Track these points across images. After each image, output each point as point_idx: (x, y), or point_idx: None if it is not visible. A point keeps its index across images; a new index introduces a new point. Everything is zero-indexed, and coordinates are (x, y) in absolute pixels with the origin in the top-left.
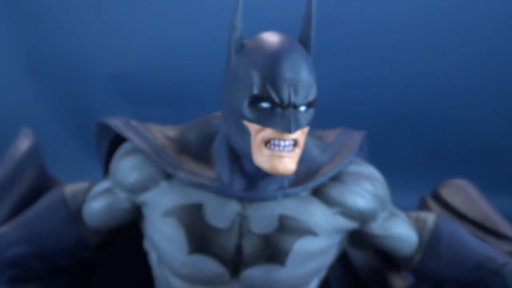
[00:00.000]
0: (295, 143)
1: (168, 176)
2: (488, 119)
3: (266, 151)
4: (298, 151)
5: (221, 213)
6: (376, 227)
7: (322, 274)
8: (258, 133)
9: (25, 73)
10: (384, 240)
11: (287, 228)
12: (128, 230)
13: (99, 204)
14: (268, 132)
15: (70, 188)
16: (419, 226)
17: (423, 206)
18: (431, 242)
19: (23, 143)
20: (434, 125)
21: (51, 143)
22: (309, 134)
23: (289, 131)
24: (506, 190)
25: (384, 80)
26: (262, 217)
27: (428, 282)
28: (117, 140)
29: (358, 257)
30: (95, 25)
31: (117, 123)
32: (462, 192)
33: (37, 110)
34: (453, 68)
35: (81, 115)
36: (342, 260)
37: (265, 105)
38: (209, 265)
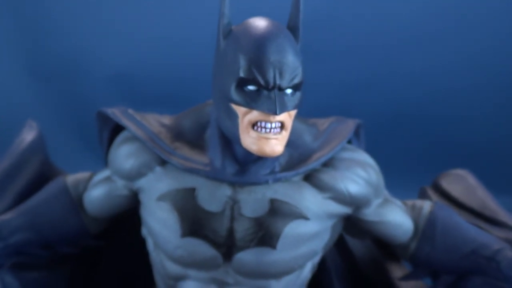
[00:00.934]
0: (282, 126)
1: (163, 162)
2: (488, 119)
3: (253, 133)
4: (285, 134)
5: (213, 197)
6: (370, 213)
7: (316, 259)
8: (245, 116)
9: (25, 73)
10: (378, 226)
11: (278, 211)
12: (129, 218)
13: (98, 191)
14: (255, 114)
15: (72, 177)
16: (415, 213)
17: (422, 196)
18: (426, 229)
19: (28, 135)
20: (434, 125)
21: (51, 143)
22: (302, 121)
23: (275, 112)
24: (506, 190)
25: (384, 80)
26: (254, 200)
27: (425, 270)
28: (118, 130)
29: (357, 246)
30: (95, 25)
31: (114, 112)
32: (461, 181)
33: (37, 110)
34: (453, 68)
35: (81, 115)
36: (341, 249)
37: (251, 87)
38: (202, 248)
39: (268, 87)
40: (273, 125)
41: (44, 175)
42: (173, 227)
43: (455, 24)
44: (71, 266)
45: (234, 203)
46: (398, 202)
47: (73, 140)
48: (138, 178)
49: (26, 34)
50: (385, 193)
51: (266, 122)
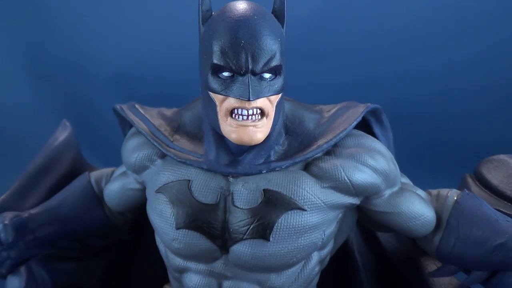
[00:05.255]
0: (262, 112)
1: (163, 155)
2: (488, 119)
3: (231, 121)
4: (266, 121)
5: (207, 188)
6: (381, 204)
7: (324, 252)
8: (222, 103)
9: (25, 73)
10: (391, 217)
11: (271, 202)
12: None
13: (115, 185)
14: (230, 101)
15: (96, 173)
16: (439, 204)
17: (462, 185)
18: (450, 220)
19: (61, 134)
20: (434, 125)
21: None
22: (305, 108)
23: (248, 98)
24: None
25: (384, 80)
26: (247, 191)
27: (454, 267)
28: None
29: (390, 241)
30: (95, 25)
31: (122, 107)
32: (502, 168)
33: (37, 110)
34: (453, 68)
35: (81, 115)
36: (372, 244)
37: (226, 74)
38: (198, 241)
39: (240, 72)
40: (250, 111)
41: (76, 172)
42: (169, 219)
43: (455, 24)
44: (106, 259)
45: (228, 194)
46: (420, 192)
47: None
48: (142, 171)
49: (26, 34)
50: (403, 181)
51: (242, 109)
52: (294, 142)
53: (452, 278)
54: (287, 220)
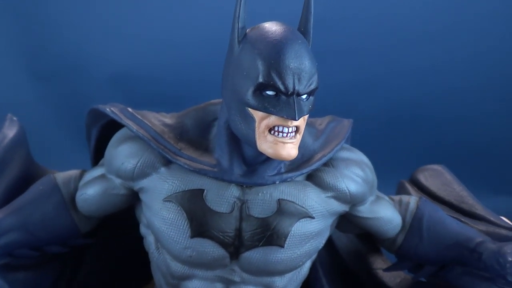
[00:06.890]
0: (297, 130)
1: (167, 162)
2: (488, 119)
3: (270, 138)
4: (299, 138)
5: (221, 198)
6: (364, 210)
7: (315, 256)
8: (262, 120)
9: (26, 73)
10: (371, 222)
11: (286, 211)
12: (118, 215)
13: (93, 190)
14: (272, 119)
15: (62, 175)
16: (402, 208)
17: (401, 190)
18: (413, 223)
19: (9, 130)
20: (434, 124)
21: (51, 143)
22: None
23: (294, 118)
24: (505, 190)
25: (384, 80)
26: (261, 201)
27: (409, 262)
28: (108, 127)
29: (341, 239)
30: (95, 25)
31: (113, 110)
32: (438, 176)
33: (37, 110)
34: (453, 68)
35: (81, 115)
36: (326, 243)
37: (270, 92)
38: (210, 249)
39: (287, 93)
40: (290, 129)
41: (28, 171)
42: (182, 228)
43: (455, 24)
44: (60, 262)
45: (242, 203)
46: (387, 198)
47: (73, 140)
48: (141, 178)
49: (27, 34)
50: (376, 189)
51: (283, 126)
52: (298, 155)
53: (398, 271)
54: (299, 228)
